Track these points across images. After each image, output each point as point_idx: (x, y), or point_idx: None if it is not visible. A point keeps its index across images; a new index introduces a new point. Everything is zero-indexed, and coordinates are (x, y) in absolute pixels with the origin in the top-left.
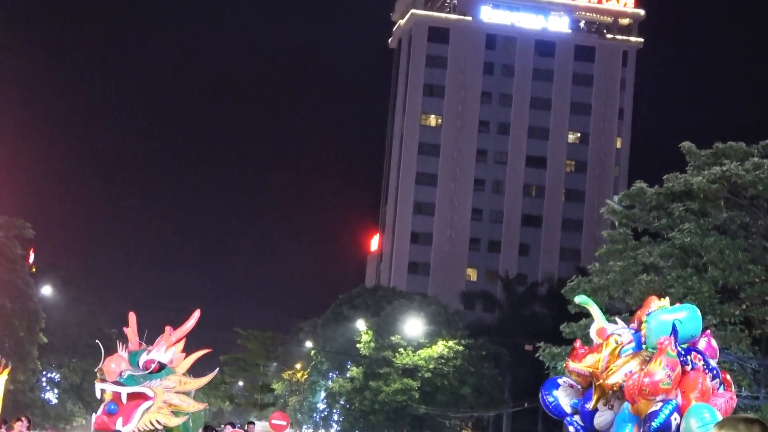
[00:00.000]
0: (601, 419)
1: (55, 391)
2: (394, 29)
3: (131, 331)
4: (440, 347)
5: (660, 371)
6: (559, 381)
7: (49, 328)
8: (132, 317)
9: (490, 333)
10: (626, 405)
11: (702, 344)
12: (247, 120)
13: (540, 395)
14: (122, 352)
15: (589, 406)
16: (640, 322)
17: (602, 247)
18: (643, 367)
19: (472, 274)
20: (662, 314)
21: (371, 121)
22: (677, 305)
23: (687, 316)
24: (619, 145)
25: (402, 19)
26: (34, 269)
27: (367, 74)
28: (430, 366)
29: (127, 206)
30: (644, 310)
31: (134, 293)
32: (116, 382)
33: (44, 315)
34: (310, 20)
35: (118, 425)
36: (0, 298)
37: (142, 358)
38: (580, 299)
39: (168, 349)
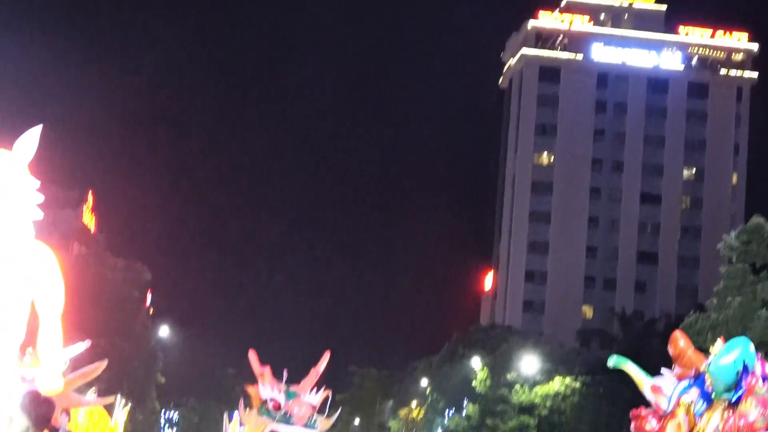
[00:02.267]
0: None
1: (174, 430)
2: (504, 69)
3: (256, 369)
4: (557, 384)
5: (753, 411)
6: None
7: (167, 369)
8: (252, 355)
9: (608, 370)
10: None
11: (758, 370)
12: (363, 163)
13: None
14: (276, 393)
15: None
16: (698, 373)
17: (720, 284)
18: (727, 413)
19: (588, 311)
20: (721, 359)
21: (483, 160)
22: (726, 344)
23: (743, 351)
24: (735, 180)
25: (513, 58)
26: (151, 311)
27: (479, 115)
28: (547, 403)
29: (240, 251)
30: (683, 359)
31: (249, 333)
32: (306, 425)
33: (162, 356)
34: (420, 60)
35: None
36: (119, 340)
37: (296, 401)
38: (614, 361)
39: (310, 391)
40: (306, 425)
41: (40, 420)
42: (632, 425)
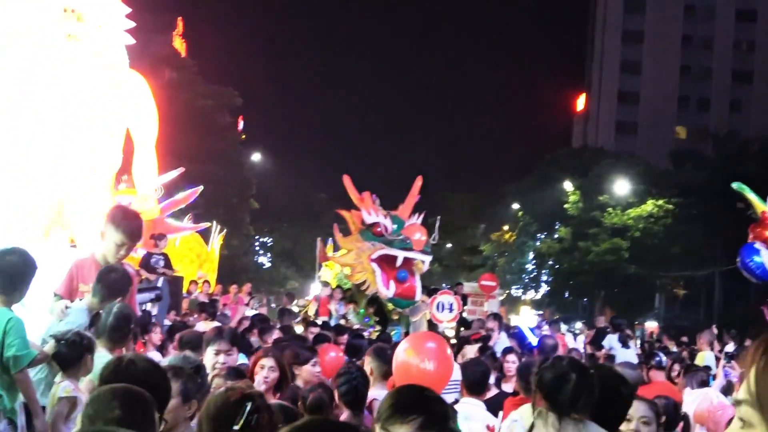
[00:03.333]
0: None
1: (268, 255)
2: None
3: (354, 194)
4: (650, 206)
5: None
6: (756, 246)
7: (260, 195)
8: (347, 180)
9: (701, 192)
10: None
11: None
12: None
13: (740, 261)
14: (383, 218)
15: None
16: None
17: None
18: None
19: (681, 132)
20: None
21: None
22: None
23: None
24: None
25: None
26: (243, 137)
27: None
28: (640, 226)
29: (335, 82)
30: None
31: (341, 160)
32: (423, 251)
33: (255, 182)
34: None
35: (417, 294)
36: (213, 166)
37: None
38: (737, 186)
39: (409, 217)
40: (423, 251)
41: (135, 232)
42: (750, 235)
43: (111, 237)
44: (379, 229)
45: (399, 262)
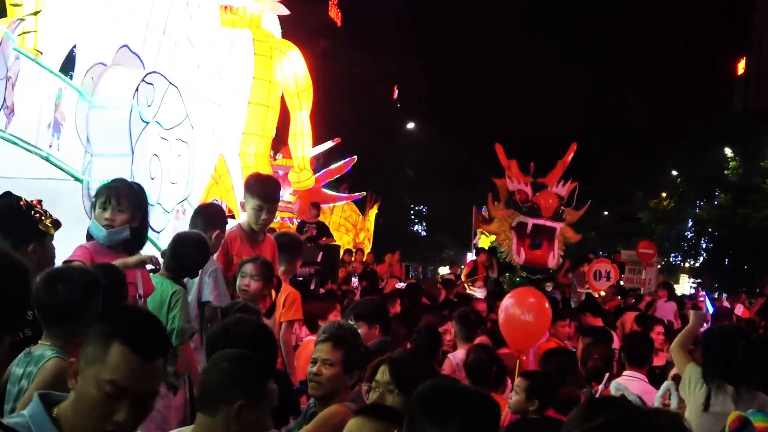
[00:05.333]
0: None
1: (423, 224)
2: None
3: (503, 162)
4: None
5: None
6: None
7: (415, 164)
8: (499, 149)
9: None
10: None
11: None
12: None
13: None
14: (523, 186)
15: None
16: None
17: None
18: None
19: None
20: None
21: None
22: None
23: None
24: None
25: None
26: (398, 105)
27: None
28: None
29: (486, 43)
30: None
31: (495, 128)
32: (553, 217)
33: (409, 150)
34: None
35: (550, 261)
36: (368, 135)
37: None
38: None
39: (557, 184)
40: (552, 217)
41: (268, 194)
42: None
43: (249, 203)
44: (520, 196)
45: (528, 229)
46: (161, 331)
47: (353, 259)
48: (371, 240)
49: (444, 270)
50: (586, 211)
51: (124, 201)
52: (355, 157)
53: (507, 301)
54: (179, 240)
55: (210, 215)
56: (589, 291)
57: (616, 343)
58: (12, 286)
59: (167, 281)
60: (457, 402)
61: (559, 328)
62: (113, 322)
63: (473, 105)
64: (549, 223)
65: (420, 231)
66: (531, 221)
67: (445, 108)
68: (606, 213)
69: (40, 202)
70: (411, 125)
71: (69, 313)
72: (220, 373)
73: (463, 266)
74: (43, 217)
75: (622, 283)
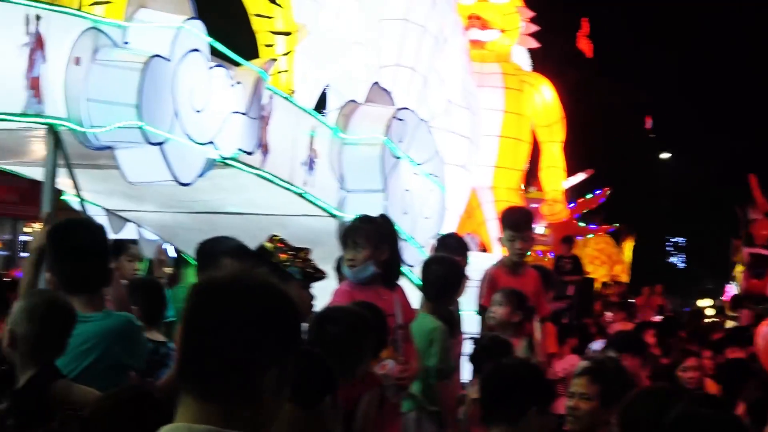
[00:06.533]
0: None
1: (681, 255)
2: None
3: (756, 195)
4: None
5: None
6: None
7: (671, 194)
8: (753, 180)
9: None
10: None
11: None
12: None
13: None
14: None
15: None
16: None
17: None
18: None
19: None
20: None
21: None
22: None
23: None
24: None
25: None
26: (651, 135)
27: None
28: None
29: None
30: None
31: (751, 156)
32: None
33: (664, 181)
34: None
35: None
36: (621, 166)
37: None
38: None
39: None
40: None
41: (517, 222)
42: None
43: (504, 236)
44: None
45: (746, 259)
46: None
47: (609, 291)
48: (627, 272)
49: (704, 302)
50: None
51: (362, 239)
52: (609, 188)
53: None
54: (427, 261)
55: (451, 245)
56: None
57: None
58: (284, 314)
59: (428, 317)
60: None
61: None
62: None
63: (731, 134)
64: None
65: (677, 263)
66: (746, 250)
67: (699, 137)
68: None
69: (304, 249)
70: (666, 155)
71: (340, 353)
72: None
73: (721, 298)
74: (289, 263)
75: None
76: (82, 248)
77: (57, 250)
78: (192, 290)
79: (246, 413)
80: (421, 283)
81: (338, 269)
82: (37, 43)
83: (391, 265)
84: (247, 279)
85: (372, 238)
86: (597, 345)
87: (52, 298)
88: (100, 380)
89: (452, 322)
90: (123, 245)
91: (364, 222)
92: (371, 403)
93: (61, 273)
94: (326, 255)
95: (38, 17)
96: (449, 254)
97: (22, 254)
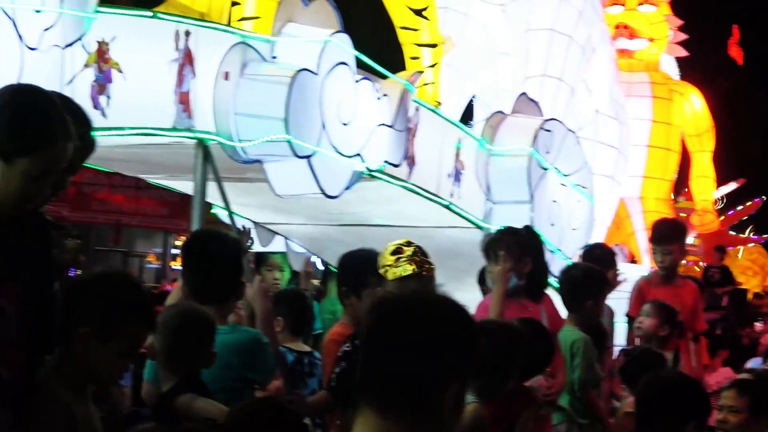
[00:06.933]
0: None
1: None
2: None
3: None
4: None
5: None
6: None
7: None
8: None
9: None
10: None
11: None
12: None
13: None
14: None
15: None
16: None
17: None
18: None
19: None
20: None
21: None
22: None
23: None
24: None
25: None
26: None
27: None
28: None
29: None
30: None
31: None
32: None
33: None
34: None
35: None
36: None
37: None
38: None
39: None
40: None
41: (657, 234)
42: None
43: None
44: None
45: None
46: None
47: (761, 302)
48: None
49: None
50: None
51: (503, 252)
52: (763, 197)
53: None
54: (564, 269)
55: (597, 255)
56: None
57: None
58: (464, 330)
59: (571, 328)
60: None
61: None
62: None
63: None
64: None
65: None
66: None
67: None
68: None
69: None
70: None
71: (491, 367)
72: None
73: None
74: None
75: None
76: (212, 259)
77: (189, 259)
78: (373, 307)
79: (426, 428)
80: (559, 289)
81: (481, 281)
82: (187, 59)
83: (535, 277)
84: (427, 296)
85: (514, 250)
86: (754, 362)
87: (186, 311)
88: (223, 393)
89: (599, 332)
90: (263, 256)
91: (506, 234)
92: (528, 419)
93: (191, 283)
94: (469, 267)
95: (188, 33)
96: (594, 264)
97: (173, 267)
